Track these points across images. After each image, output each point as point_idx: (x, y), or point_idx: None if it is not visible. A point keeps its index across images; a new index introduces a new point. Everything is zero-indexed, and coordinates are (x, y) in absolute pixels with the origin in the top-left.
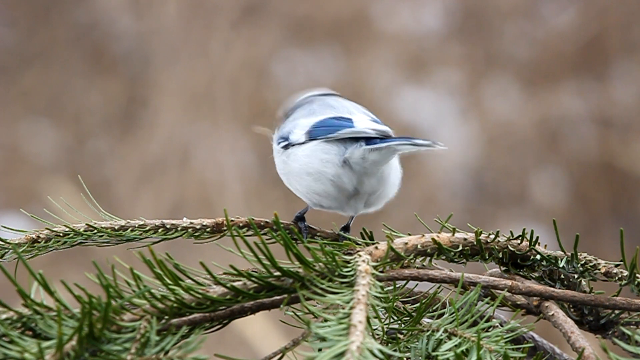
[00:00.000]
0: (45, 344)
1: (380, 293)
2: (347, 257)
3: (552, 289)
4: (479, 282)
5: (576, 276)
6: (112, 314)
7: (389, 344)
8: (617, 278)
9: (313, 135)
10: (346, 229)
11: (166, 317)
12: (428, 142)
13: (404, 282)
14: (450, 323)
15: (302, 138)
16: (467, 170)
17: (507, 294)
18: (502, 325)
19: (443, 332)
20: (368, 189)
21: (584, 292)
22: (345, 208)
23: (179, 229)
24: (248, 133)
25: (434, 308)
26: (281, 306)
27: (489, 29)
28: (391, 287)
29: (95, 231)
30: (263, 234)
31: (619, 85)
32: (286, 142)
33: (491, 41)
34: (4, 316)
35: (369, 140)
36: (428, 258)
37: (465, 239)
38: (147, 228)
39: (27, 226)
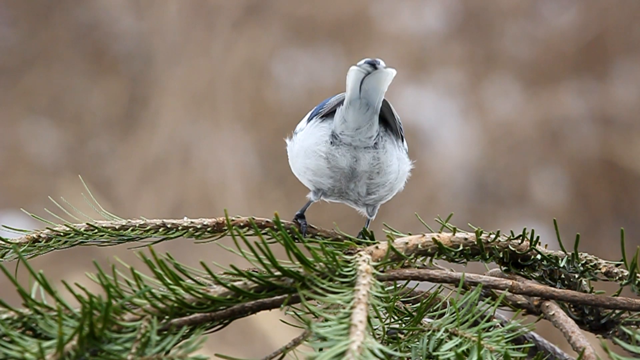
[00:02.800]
0: (45, 343)
1: (380, 293)
2: (348, 257)
3: (552, 288)
4: (480, 281)
5: (577, 276)
6: (112, 313)
7: (390, 344)
8: (617, 278)
9: (310, 118)
10: (364, 233)
11: (167, 316)
12: (378, 67)
13: (405, 281)
14: (451, 323)
15: (304, 124)
16: (468, 170)
17: (508, 293)
18: (502, 325)
19: (444, 332)
20: (365, 168)
21: (585, 291)
22: (349, 193)
23: (179, 228)
24: (249, 133)
25: (435, 308)
26: (282, 306)
27: (490, 28)
28: (392, 287)
29: (96, 231)
30: (264, 234)
31: (619, 85)
32: (296, 134)
33: (492, 41)
34: (4, 316)
35: None
36: (429, 258)
37: (465, 239)
38: (148, 228)
39: (27, 226)
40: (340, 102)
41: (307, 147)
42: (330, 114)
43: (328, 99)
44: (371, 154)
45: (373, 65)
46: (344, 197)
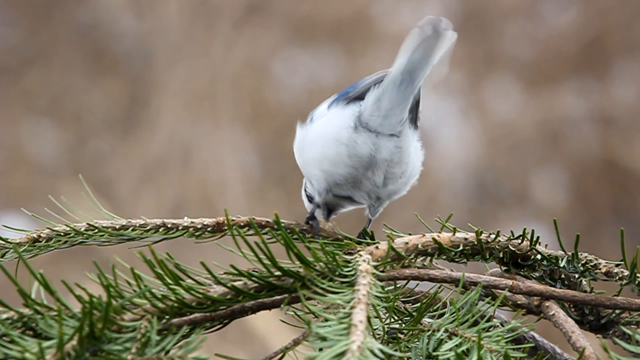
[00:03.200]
0: (45, 343)
1: (380, 293)
2: (348, 257)
3: (552, 288)
4: (480, 281)
5: (577, 276)
6: (112, 313)
7: (390, 344)
8: (617, 278)
9: (333, 103)
10: (364, 233)
11: (167, 316)
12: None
13: (405, 281)
14: (451, 323)
15: (324, 111)
16: (468, 170)
17: (508, 293)
18: (502, 325)
19: (444, 332)
20: (386, 156)
21: (585, 291)
22: (364, 183)
23: (179, 228)
24: (249, 133)
25: (435, 308)
26: (282, 306)
27: (490, 29)
28: (392, 287)
29: (96, 230)
30: (264, 234)
31: (620, 85)
32: (313, 121)
33: (492, 41)
34: (4, 316)
35: None
36: (429, 258)
37: (465, 239)
38: (148, 227)
39: (28, 226)
40: (377, 82)
41: (327, 134)
42: (354, 100)
43: (359, 81)
44: (393, 142)
45: (435, 29)
46: (356, 187)
